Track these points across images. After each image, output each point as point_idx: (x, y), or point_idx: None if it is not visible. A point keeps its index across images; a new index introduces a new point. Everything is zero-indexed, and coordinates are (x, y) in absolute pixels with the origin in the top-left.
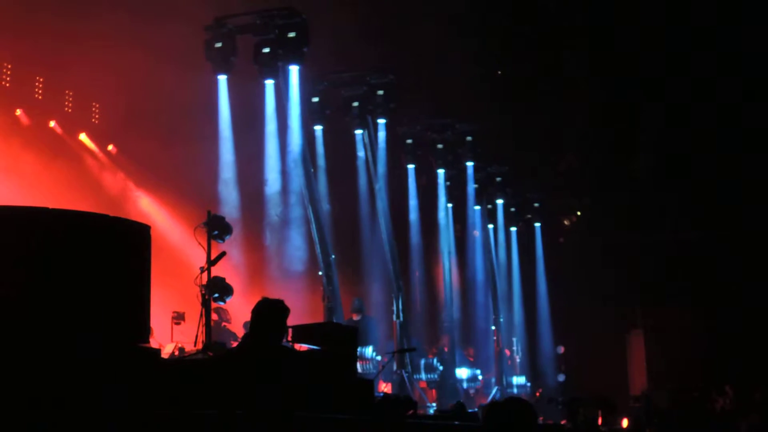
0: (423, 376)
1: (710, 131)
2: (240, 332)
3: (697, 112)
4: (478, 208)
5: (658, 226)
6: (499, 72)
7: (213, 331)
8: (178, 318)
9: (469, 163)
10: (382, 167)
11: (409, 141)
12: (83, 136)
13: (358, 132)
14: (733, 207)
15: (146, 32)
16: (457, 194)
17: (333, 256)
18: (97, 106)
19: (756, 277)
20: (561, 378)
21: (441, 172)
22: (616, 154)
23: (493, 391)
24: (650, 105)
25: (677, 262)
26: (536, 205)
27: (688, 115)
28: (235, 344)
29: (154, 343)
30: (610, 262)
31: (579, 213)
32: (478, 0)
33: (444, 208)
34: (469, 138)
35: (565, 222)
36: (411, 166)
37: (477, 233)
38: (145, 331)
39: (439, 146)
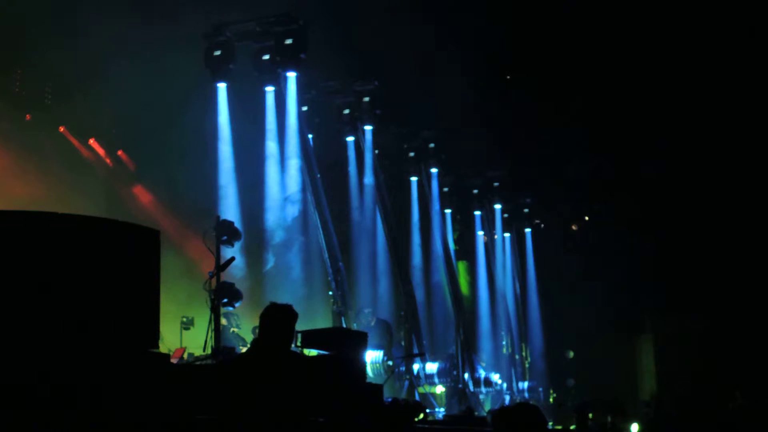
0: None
1: (710, 132)
2: (249, 337)
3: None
4: (478, 213)
5: (667, 229)
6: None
7: (222, 336)
8: (188, 323)
9: (434, 170)
10: (370, 174)
11: (376, 151)
12: (92, 142)
13: (350, 139)
14: (738, 209)
15: (152, 36)
16: (456, 200)
17: (341, 262)
18: (107, 111)
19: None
20: (570, 383)
21: (414, 179)
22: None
23: (505, 396)
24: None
25: (687, 266)
26: (526, 210)
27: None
28: (244, 350)
29: (163, 349)
30: (619, 266)
31: (587, 218)
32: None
33: (417, 213)
34: (432, 145)
35: (573, 227)
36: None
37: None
38: (155, 336)
39: (411, 154)
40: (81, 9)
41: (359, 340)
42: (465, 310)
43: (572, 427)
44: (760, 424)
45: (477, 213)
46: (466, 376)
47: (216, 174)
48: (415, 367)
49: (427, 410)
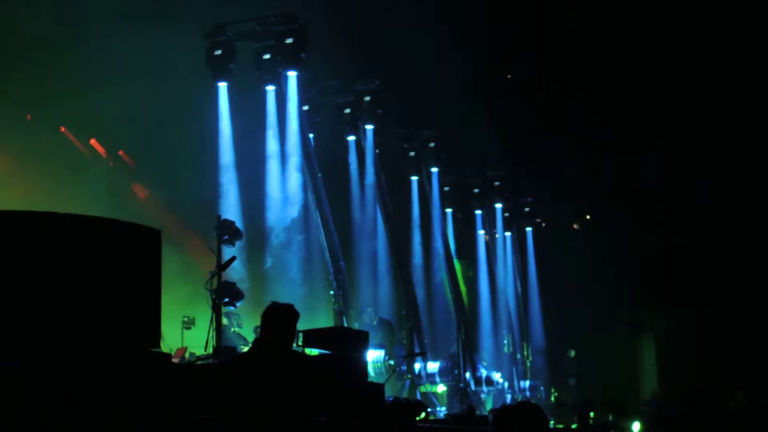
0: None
1: (711, 130)
2: (251, 337)
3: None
4: (479, 212)
5: (668, 229)
6: (509, 75)
7: (223, 335)
8: (189, 323)
9: (434, 169)
10: (371, 173)
11: (377, 150)
12: (93, 141)
13: (351, 138)
14: (740, 207)
15: (153, 35)
16: (458, 199)
17: (342, 261)
18: (108, 111)
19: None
20: (571, 382)
21: (414, 178)
22: (621, 158)
23: (506, 395)
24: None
25: (688, 265)
26: (527, 210)
27: (690, 116)
28: (245, 349)
29: (164, 348)
30: (621, 265)
31: (588, 216)
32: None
33: (417, 213)
34: (432, 144)
35: (574, 226)
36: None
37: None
38: (156, 335)
39: (411, 154)
40: (81, 9)
41: (360, 340)
42: (466, 309)
43: (574, 426)
44: (761, 423)
45: (478, 212)
46: (468, 375)
47: (217, 173)
48: (417, 366)
49: (429, 409)
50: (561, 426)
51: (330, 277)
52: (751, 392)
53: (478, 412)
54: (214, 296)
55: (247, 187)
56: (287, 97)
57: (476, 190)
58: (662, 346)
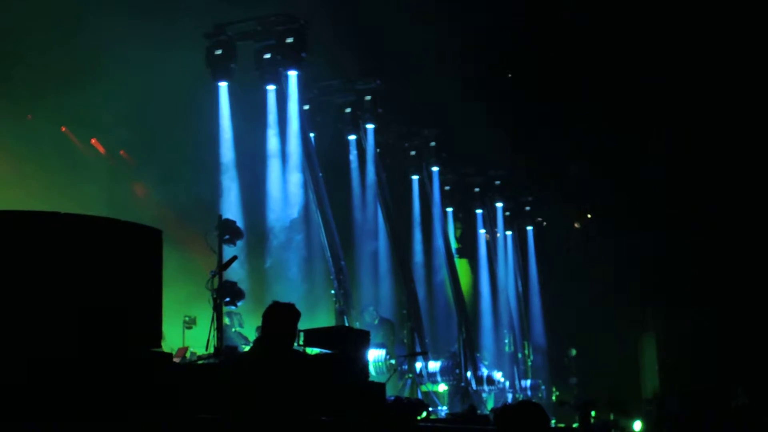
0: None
1: (712, 127)
2: (252, 336)
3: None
4: (480, 211)
5: (668, 227)
6: (510, 75)
7: (224, 335)
8: (190, 322)
9: (435, 168)
10: (372, 172)
11: (377, 149)
12: (94, 141)
13: (352, 137)
14: (741, 206)
15: (153, 35)
16: (459, 198)
17: (343, 261)
18: (109, 111)
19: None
20: (573, 381)
21: (415, 178)
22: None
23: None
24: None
25: (688, 263)
26: (528, 209)
27: (691, 118)
28: (247, 348)
29: (165, 348)
30: (622, 264)
31: (589, 216)
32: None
33: (418, 212)
34: (432, 143)
35: (575, 225)
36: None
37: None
38: (157, 335)
39: (412, 153)
40: (82, 8)
41: (362, 339)
42: (467, 308)
43: (575, 425)
44: (762, 421)
45: (479, 211)
46: (469, 374)
47: (218, 173)
48: (418, 365)
49: (430, 409)
50: (562, 425)
51: (331, 277)
52: (753, 390)
53: (479, 412)
54: (215, 296)
55: (247, 186)
56: (288, 97)
57: (477, 189)
58: (663, 345)
